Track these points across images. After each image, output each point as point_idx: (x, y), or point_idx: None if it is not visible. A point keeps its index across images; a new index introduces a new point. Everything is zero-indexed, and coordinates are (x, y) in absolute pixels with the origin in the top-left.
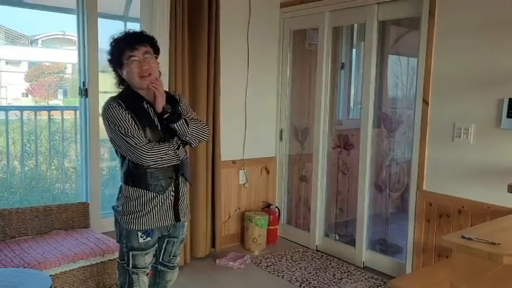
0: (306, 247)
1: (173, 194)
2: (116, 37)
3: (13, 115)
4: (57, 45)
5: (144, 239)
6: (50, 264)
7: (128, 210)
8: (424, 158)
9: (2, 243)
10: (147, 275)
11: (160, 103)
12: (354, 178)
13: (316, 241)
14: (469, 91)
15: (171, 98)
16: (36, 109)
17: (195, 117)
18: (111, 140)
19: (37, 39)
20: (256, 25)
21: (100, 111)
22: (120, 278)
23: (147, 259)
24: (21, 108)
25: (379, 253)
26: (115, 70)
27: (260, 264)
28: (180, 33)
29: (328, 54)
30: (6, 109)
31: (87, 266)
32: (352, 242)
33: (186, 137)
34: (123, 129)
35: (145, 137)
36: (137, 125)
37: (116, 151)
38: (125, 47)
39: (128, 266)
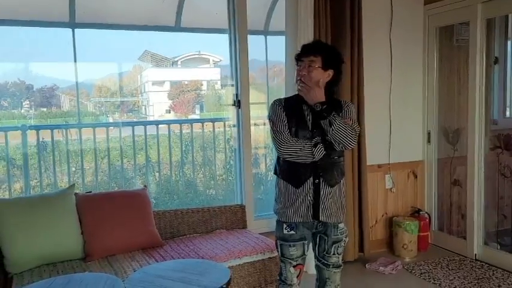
0: (462, 256)
1: (312, 193)
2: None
3: (167, 129)
4: (193, 64)
5: (288, 231)
6: (220, 259)
7: (277, 200)
8: None
9: (177, 239)
10: (294, 267)
11: (310, 100)
12: None
13: (475, 249)
14: None
15: (337, 104)
16: (190, 122)
17: (350, 123)
18: None
19: (177, 60)
20: (398, 25)
21: (252, 120)
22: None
23: (292, 251)
24: (180, 122)
25: None
26: None
27: (413, 271)
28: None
29: (481, 49)
30: (158, 122)
31: (250, 262)
32: None
33: (327, 135)
34: (272, 123)
35: (295, 134)
36: (288, 123)
37: None
38: (300, 54)
39: (279, 253)
